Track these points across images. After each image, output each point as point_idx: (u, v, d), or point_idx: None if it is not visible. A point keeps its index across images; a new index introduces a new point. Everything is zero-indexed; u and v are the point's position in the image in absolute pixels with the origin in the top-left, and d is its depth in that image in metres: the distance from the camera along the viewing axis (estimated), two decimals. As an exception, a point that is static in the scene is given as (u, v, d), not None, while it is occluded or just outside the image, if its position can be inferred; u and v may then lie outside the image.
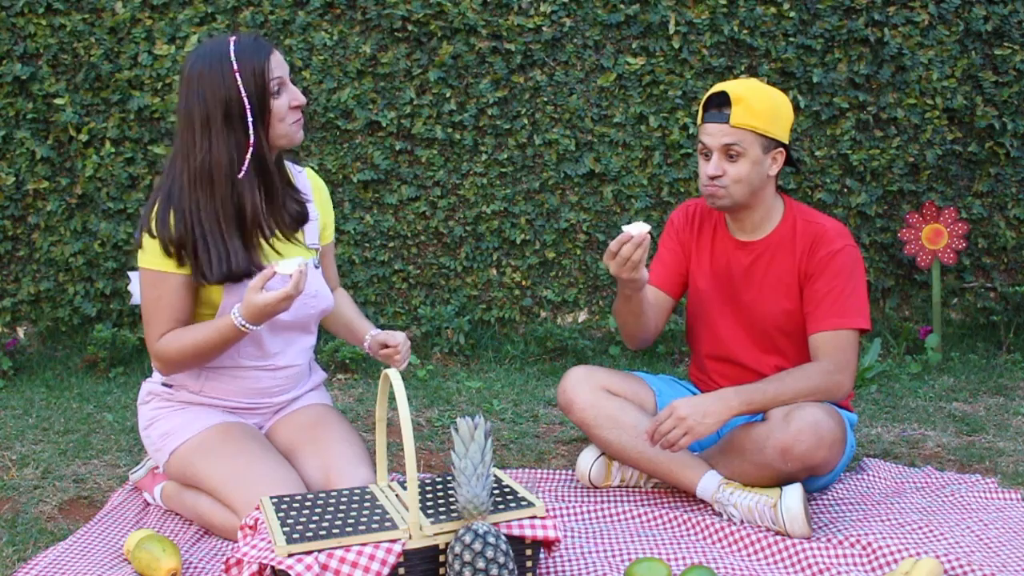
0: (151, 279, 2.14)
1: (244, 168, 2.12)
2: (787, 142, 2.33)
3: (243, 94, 2.09)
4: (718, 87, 2.30)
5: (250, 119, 2.10)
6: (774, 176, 2.34)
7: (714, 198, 2.31)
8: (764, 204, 2.37)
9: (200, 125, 2.10)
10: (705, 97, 2.32)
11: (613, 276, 2.20)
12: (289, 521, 1.79)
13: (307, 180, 2.38)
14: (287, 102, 2.15)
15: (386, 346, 2.29)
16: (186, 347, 2.10)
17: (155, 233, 2.11)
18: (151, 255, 2.13)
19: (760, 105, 2.26)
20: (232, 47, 2.11)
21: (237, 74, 2.09)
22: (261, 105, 2.12)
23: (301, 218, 2.28)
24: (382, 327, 4.00)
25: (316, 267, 2.30)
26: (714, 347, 2.48)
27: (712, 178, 2.29)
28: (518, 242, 4.03)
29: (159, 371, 2.21)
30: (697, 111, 3.95)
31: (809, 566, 1.99)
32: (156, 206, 2.13)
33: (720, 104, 2.27)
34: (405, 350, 2.28)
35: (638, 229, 2.10)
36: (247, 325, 2.03)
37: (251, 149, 2.11)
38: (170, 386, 2.27)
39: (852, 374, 2.26)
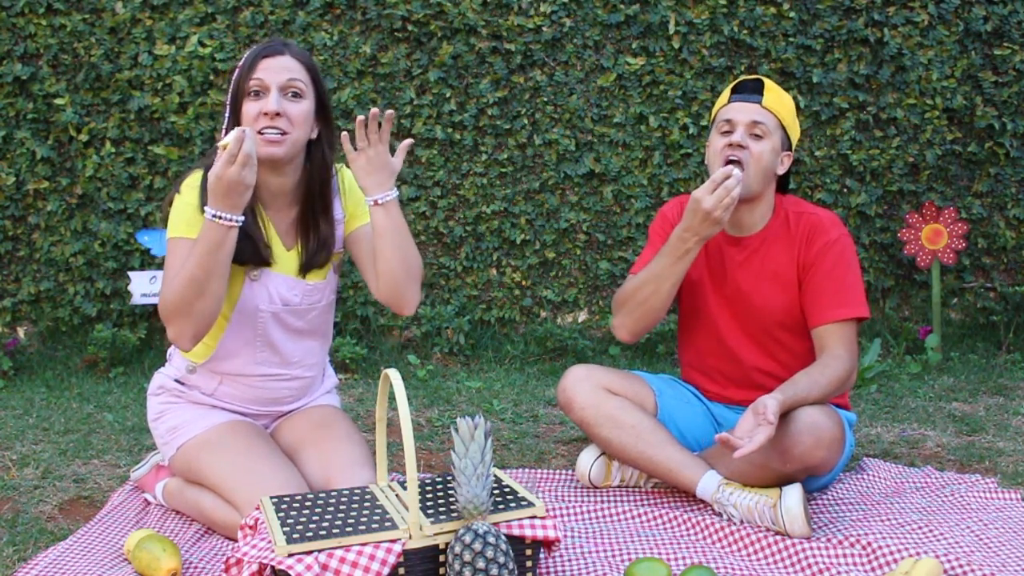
0: (172, 247, 2.09)
1: (211, 151, 2.11)
2: (793, 149, 2.38)
3: (232, 88, 2.12)
4: (747, 78, 2.37)
5: (226, 114, 2.12)
6: (779, 176, 2.37)
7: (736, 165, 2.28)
8: (765, 202, 2.38)
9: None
10: (735, 83, 2.37)
11: (705, 212, 2.17)
12: (289, 521, 1.79)
13: (336, 180, 2.30)
14: (258, 108, 2.07)
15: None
16: (182, 281, 1.99)
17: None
18: (174, 223, 2.10)
19: (787, 100, 2.36)
20: (258, 45, 2.15)
21: (238, 69, 2.12)
22: (236, 105, 2.11)
23: (314, 259, 2.22)
24: (382, 327, 4.01)
25: (335, 272, 2.29)
26: (714, 346, 2.47)
27: (736, 147, 2.27)
28: (518, 242, 4.03)
29: (175, 341, 2.09)
30: (698, 111, 3.97)
31: (809, 566, 1.99)
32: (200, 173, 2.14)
33: (752, 89, 2.33)
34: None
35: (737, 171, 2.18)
36: (219, 214, 1.95)
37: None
38: (183, 383, 2.28)
39: (857, 363, 2.29)
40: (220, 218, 1.95)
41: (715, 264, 2.44)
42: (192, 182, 2.14)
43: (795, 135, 2.39)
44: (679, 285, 2.33)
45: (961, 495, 2.38)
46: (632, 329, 2.39)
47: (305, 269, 2.22)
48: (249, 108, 2.08)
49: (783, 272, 2.36)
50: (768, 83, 2.35)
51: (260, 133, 2.06)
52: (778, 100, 2.34)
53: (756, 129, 2.30)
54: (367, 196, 2.08)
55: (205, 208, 1.97)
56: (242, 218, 1.98)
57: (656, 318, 2.37)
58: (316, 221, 2.22)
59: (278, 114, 2.06)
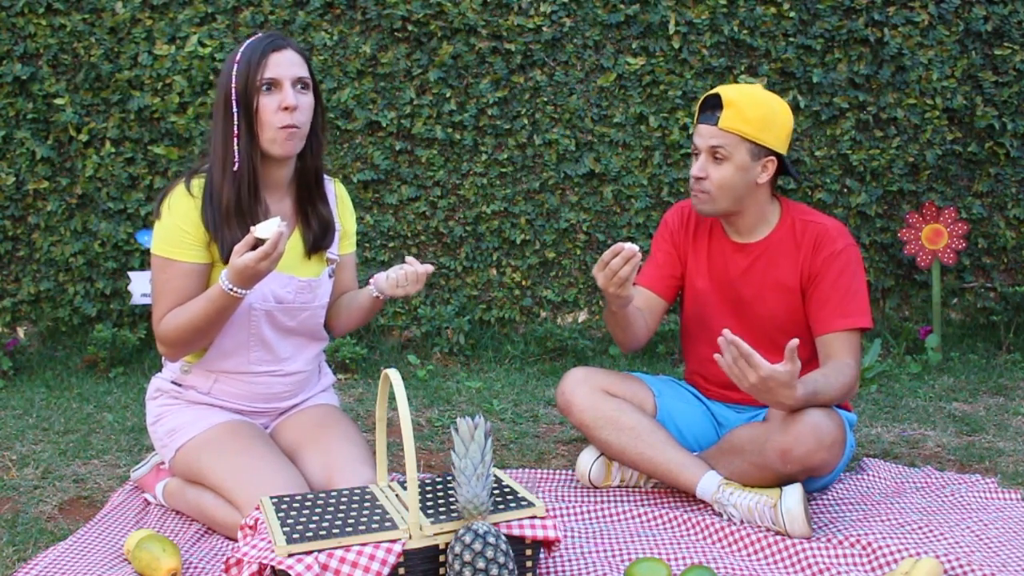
0: (159, 264, 2.16)
1: (236, 160, 2.11)
2: (782, 152, 2.31)
3: (233, 84, 2.10)
4: (715, 90, 2.31)
5: (234, 109, 2.11)
6: (765, 184, 2.34)
7: (697, 201, 2.35)
8: (755, 209, 2.37)
9: (214, 114, 2.16)
10: (701, 99, 2.33)
11: (603, 289, 2.21)
12: (289, 521, 1.79)
13: (332, 189, 2.38)
14: (276, 103, 2.10)
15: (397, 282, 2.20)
16: (183, 323, 2.10)
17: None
18: (160, 241, 2.15)
19: (752, 112, 2.26)
20: (248, 41, 2.14)
21: (236, 64, 2.11)
22: (247, 101, 2.10)
23: (320, 240, 2.27)
24: (381, 327, 4.01)
25: (330, 277, 2.32)
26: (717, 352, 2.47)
27: (697, 179, 2.32)
28: (518, 242, 4.03)
29: (166, 356, 2.20)
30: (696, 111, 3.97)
31: (809, 566, 1.99)
32: (189, 181, 2.15)
33: (713, 106, 2.30)
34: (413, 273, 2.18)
35: (631, 246, 2.14)
36: (235, 289, 2.02)
37: (236, 140, 2.11)
38: (180, 384, 2.28)
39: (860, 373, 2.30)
40: (234, 291, 2.03)
41: (718, 271, 2.44)
42: (176, 202, 2.15)
43: (775, 139, 2.29)
44: (632, 328, 2.39)
45: (961, 495, 2.38)
46: (624, 348, 2.48)
47: (312, 249, 2.26)
48: (267, 103, 2.10)
49: (787, 280, 2.36)
50: (728, 97, 2.26)
51: (282, 128, 2.10)
52: (738, 115, 2.25)
53: (717, 152, 2.29)
54: (381, 294, 2.25)
55: (221, 278, 2.03)
56: (252, 290, 2.08)
57: (638, 342, 2.45)
58: (314, 204, 2.26)
59: (296, 108, 2.11)
